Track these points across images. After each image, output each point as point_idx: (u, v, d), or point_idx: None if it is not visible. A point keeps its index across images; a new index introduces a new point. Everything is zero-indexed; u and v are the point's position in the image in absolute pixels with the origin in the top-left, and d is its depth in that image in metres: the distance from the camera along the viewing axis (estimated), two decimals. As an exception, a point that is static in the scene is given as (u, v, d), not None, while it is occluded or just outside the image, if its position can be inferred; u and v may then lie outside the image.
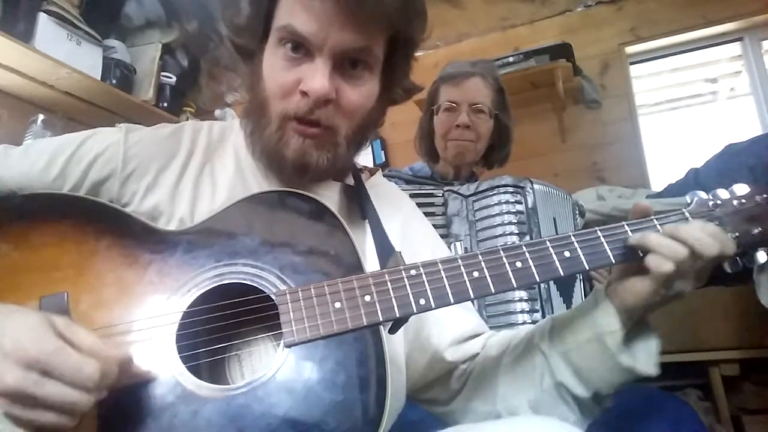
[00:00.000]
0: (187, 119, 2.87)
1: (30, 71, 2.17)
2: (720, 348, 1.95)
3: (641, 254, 0.69)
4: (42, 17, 2.17)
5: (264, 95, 0.79)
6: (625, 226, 0.72)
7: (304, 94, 0.75)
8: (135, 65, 2.67)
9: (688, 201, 0.76)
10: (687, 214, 0.73)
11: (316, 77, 0.74)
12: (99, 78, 2.41)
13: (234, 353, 0.73)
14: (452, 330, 0.89)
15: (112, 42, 2.59)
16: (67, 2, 2.27)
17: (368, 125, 0.86)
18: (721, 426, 1.93)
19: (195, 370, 0.63)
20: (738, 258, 0.73)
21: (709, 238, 0.67)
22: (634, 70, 2.99)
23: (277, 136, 0.79)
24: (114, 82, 2.50)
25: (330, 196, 0.89)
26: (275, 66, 0.78)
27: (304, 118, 0.77)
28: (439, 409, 0.90)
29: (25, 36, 2.10)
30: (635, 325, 0.74)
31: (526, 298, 1.34)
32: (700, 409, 1.96)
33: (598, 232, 0.71)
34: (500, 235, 1.40)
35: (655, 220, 0.72)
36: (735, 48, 2.92)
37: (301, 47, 0.75)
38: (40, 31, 2.16)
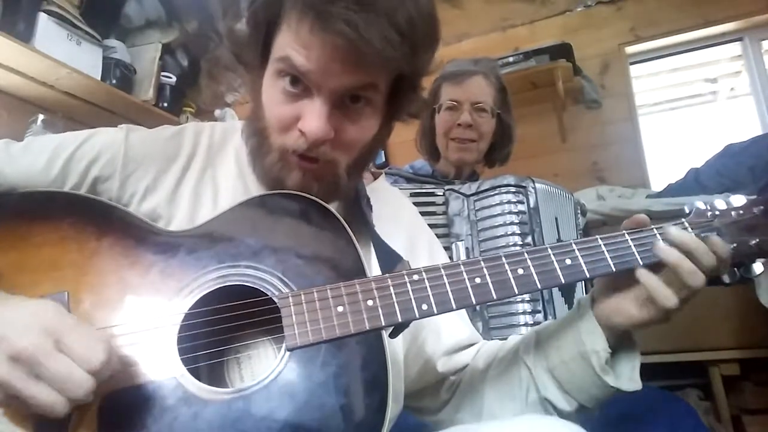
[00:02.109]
0: (187, 119, 2.86)
1: (30, 71, 2.16)
2: (720, 348, 1.95)
3: (641, 263, 0.70)
4: (42, 17, 2.16)
5: (264, 124, 0.78)
6: (626, 235, 0.72)
7: (303, 132, 0.73)
8: (135, 65, 2.66)
9: (687, 211, 0.76)
10: (686, 224, 0.73)
11: (313, 119, 0.71)
12: (99, 78, 2.40)
13: (233, 356, 0.72)
14: (447, 340, 0.89)
15: (112, 42, 2.58)
16: (67, 2, 2.27)
17: (370, 152, 0.84)
18: (721, 426, 1.94)
19: (194, 372, 0.63)
20: (735, 269, 0.74)
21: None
22: (634, 70, 2.99)
23: (278, 166, 0.77)
24: (114, 82, 2.49)
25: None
26: (274, 98, 0.75)
27: (303, 155, 0.75)
28: (429, 418, 0.91)
29: (25, 36, 2.09)
30: (620, 340, 0.74)
31: (528, 299, 1.34)
32: (700, 409, 1.96)
33: (599, 240, 0.71)
34: (502, 236, 1.39)
35: (655, 230, 0.72)
36: (735, 48, 2.93)
37: (299, 82, 0.72)
38: (40, 31, 2.15)
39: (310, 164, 0.76)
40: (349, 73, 0.70)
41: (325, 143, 0.73)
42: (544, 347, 0.77)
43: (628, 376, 0.72)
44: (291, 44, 0.70)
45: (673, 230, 0.69)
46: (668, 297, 0.67)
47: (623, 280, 0.71)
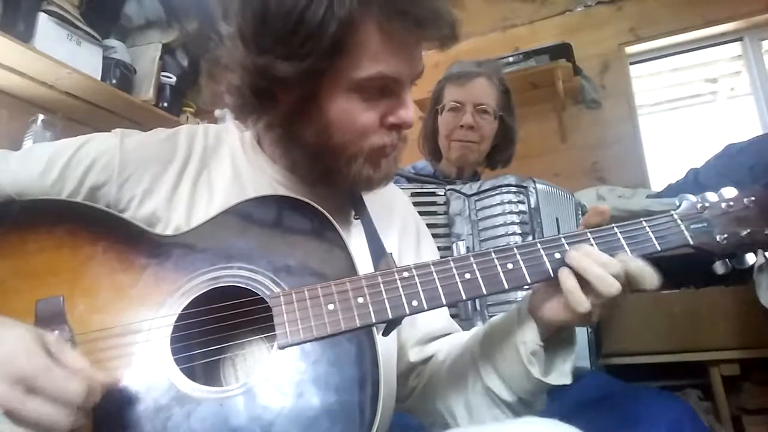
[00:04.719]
0: (187, 119, 2.86)
1: (30, 71, 2.16)
2: (720, 348, 1.94)
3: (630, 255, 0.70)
4: (42, 17, 2.17)
5: (339, 140, 0.78)
6: (615, 228, 0.72)
7: (395, 126, 0.78)
8: (135, 65, 2.66)
9: (678, 204, 0.76)
10: (676, 217, 0.74)
11: (409, 109, 0.79)
12: (99, 78, 2.39)
13: (228, 355, 0.73)
14: (421, 329, 0.91)
15: (112, 42, 2.58)
16: (67, 2, 2.27)
17: None
18: (721, 426, 1.93)
19: (190, 373, 0.63)
20: (728, 260, 0.74)
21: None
22: (634, 70, 2.99)
23: (368, 167, 0.81)
24: (114, 82, 2.49)
25: (324, 197, 0.89)
26: (353, 110, 0.76)
27: (394, 144, 0.81)
28: (399, 405, 0.92)
29: (25, 36, 2.10)
30: (560, 333, 0.74)
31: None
32: (700, 409, 1.95)
33: (588, 234, 0.72)
34: (502, 235, 1.40)
35: (644, 222, 0.73)
36: (735, 48, 2.92)
37: (385, 87, 0.76)
38: (40, 31, 2.15)
39: (395, 150, 0.83)
40: (420, 56, 0.78)
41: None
42: (488, 339, 0.79)
43: (560, 371, 0.73)
44: (377, 57, 0.73)
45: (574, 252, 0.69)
46: (581, 302, 0.66)
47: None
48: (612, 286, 0.65)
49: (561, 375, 0.73)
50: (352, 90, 0.75)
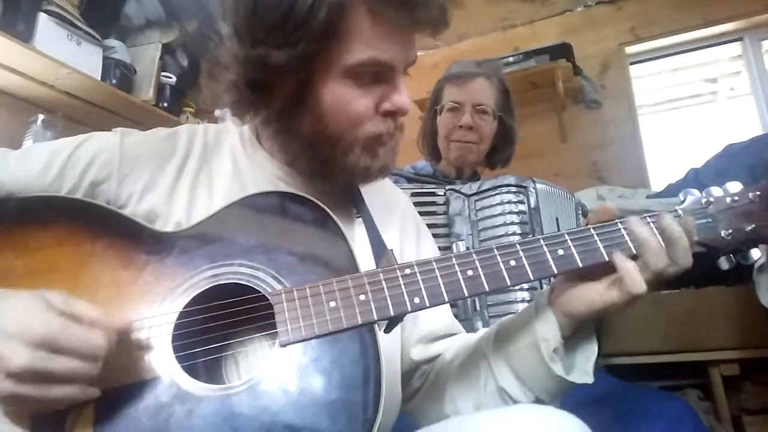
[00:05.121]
0: (187, 119, 2.86)
1: (30, 71, 2.15)
2: (720, 348, 1.94)
3: (634, 252, 0.70)
4: (42, 17, 2.16)
5: (334, 129, 0.78)
6: (618, 224, 0.72)
7: (390, 113, 0.78)
8: (135, 65, 2.65)
9: (682, 199, 0.76)
10: (680, 212, 0.74)
11: (405, 94, 0.78)
12: (99, 78, 2.38)
13: (230, 353, 0.73)
14: (423, 328, 0.90)
15: (112, 42, 2.57)
16: (67, 2, 2.26)
17: None
18: (721, 426, 1.93)
19: (192, 371, 0.63)
20: (732, 255, 0.73)
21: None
22: (634, 70, 3.00)
23: (366, 156, 0.80)
24: (114, 82, 2.48)
25: (324, 193, 0.89)
26: (347, 97, 0.76)
27: (391, 133, 0.81)
28: (402, 406, 0.91)
29: (25, 36, 2.09)
30: (579, 332, 0.74)
31: (528, 298, 1.34)
32: (700, 409, 1.95)
33: (592, 230, 0.72)
34: (502, 235, 1.40)
35: (648, 218, 0.72)
36: (735, 48, 2.93)
37: (376, 73, 0.76)
38: (40, 31, 2.14)
39: (392, 138, 0.81)
40: (413, 42, 0.78)
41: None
42: (502, 338, 0.78)
43: (582, 369, 0.73)
44: (369, 42, 0.73)
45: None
46: (638, 282, 0.67)
47: (592, 269, 0.71)
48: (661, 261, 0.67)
49: (583, 374, 0.72)
50: (345, 76, 0.75)
